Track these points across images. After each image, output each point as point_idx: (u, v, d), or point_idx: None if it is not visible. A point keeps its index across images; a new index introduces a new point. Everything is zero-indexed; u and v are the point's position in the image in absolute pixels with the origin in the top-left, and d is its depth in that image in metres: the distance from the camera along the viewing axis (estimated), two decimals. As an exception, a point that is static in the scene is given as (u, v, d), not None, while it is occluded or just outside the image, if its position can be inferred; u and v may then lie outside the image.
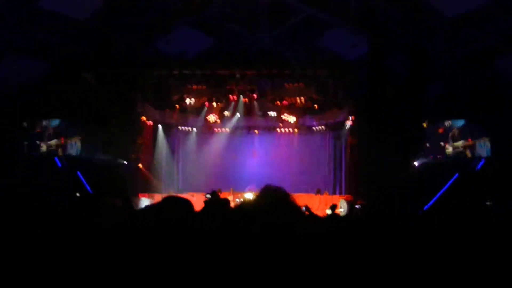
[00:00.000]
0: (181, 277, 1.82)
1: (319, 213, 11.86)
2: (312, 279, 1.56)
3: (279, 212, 1.60)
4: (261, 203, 1.67)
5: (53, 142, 13.90)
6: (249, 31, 13.57)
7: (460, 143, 13.23)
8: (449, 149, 13.26)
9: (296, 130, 17.76)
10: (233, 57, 13.98)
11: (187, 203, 2.26)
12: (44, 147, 13.87)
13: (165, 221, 2.07)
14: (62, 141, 13.91)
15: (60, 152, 13.88)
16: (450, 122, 13.31)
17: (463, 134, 13.22)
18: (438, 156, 13.29)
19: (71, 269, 2.19)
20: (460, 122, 13.31)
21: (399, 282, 2.19)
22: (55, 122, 14.01)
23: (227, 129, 18.10)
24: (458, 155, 13.14)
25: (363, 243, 2.52)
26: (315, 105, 16.00)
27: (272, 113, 16.86)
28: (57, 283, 2.17)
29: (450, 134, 13.28)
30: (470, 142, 13.18)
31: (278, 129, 17.83)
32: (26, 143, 13.72)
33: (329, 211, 12.92)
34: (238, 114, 16.96)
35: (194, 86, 15.52)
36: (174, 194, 13.73)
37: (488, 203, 10.40)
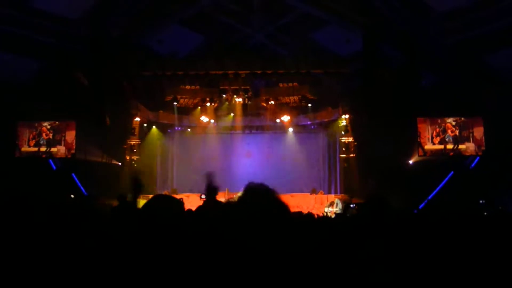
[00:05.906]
0: (169, 274, 1.81)
1: (315, 212, 11.86)
2: (299, 273, 1.55)
3: (263, 208, 1.61)
4: (245, 200, 1.68)
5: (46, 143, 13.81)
6: (242, 25, 13.54)
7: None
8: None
9: (290, 129, 17.76)
10: (225, 55, 13.93)
11: (177, 202, 2.24)
12: (37, 149, 13.76)
13: (154, 219, 2.07)
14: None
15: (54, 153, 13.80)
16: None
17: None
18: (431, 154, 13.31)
19: (66, 269, 2.17)
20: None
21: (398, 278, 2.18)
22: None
23: (221, 129, 18.05)
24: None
25: (357, 238, 2.52)
26: (309, 104, 16.01)
27: (266, 113, 16.85)
28: (52, 284, 2.15)
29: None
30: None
31: (272, 129, 17.81)
32: (18, 144, 13.62)
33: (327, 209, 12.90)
34: (232, 114, 16.94)
35: (188, 86, 15.49)
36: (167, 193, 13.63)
37: (481, 201, 10.43)
